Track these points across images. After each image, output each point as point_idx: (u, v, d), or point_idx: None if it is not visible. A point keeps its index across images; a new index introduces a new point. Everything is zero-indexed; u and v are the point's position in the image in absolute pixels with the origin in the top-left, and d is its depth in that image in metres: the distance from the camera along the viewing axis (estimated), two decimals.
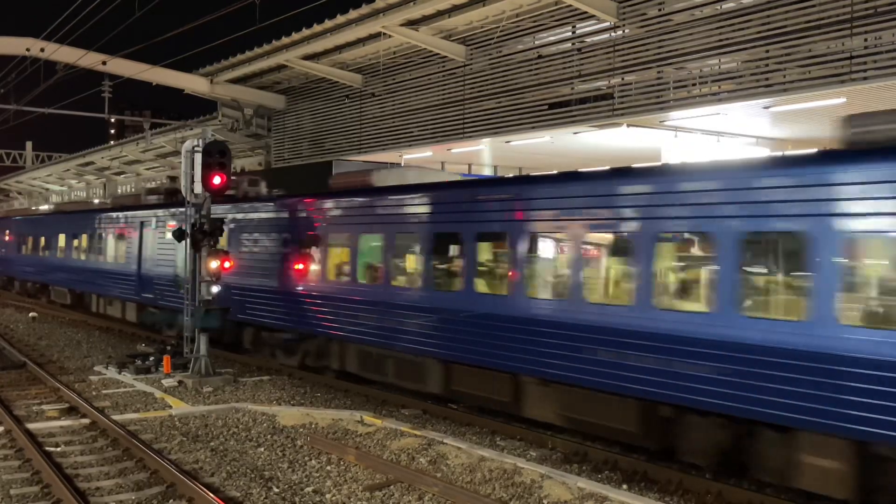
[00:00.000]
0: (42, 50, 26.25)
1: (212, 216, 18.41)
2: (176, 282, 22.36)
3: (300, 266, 18.30)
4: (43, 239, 36.37)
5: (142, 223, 25.64)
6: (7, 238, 43.54)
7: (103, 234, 29.11)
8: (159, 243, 24.31)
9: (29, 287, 39.56)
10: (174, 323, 22.59)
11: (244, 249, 20.35)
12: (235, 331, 20.64)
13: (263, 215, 19.94)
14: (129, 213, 27.00)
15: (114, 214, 28.63)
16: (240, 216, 20.76)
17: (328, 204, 17.84)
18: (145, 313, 25.41)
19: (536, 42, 20.74)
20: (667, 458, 11.60)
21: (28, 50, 26.64)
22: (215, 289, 17.99)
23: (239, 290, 20.07)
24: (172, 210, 24.06)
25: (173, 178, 27.86)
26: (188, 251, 18.59)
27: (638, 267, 11.32)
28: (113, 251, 28.15)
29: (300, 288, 18.14)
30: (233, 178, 23.71)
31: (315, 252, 18.02)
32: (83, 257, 31.04)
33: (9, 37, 27.31)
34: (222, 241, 19.78)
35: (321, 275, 17.66)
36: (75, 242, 32.08)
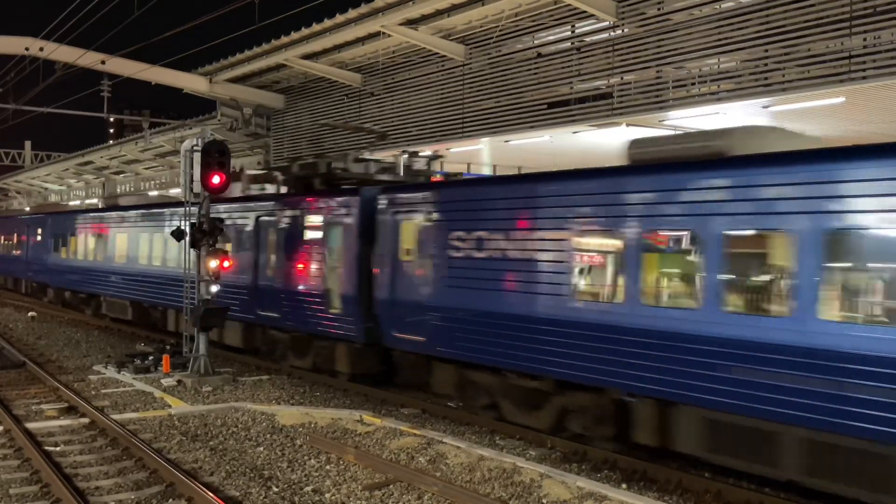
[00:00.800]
0: (41, 49, 26.25)
1: (378, 208, 15.65)
2: (326, 297, 17.17)
3: (586, 281, 12.11)
4: (92, 240, 29.79)
5: (258, 219, 19.77)
6: (37, 238, 36.59)
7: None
8: (294, 245, 18.37)
9: (68, 297, 32.99)
10: (307, 352, 18.23)
11: (452, 253, 14.08)
12: (421, 366, 15.25)
13: (496, 203, 13.58)
14: (238, 206, 20.90)
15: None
16: (436, 206, 14.71)
17: (644, 187, 11.27)
18: (264, 338, 19.87)
19: (535, 41, 20.75)
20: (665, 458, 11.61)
21: (27, 49, 26.63)
22: (214, 288, 17.96)
23: (440, 313, 14.22)
24: (316, 201, 18.22)
25: (294, 159, 21.89)
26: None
27: None
28: None
29: (582, 314, 11.82)
30: (408, 155, 19.05)
31: (617, 260, 11.59)
32: (157, 263, 24.42)
33: (7, 36, 27.30)
34: (409, 244, 15.17)
35: (631, 295, 11.17)
36: (144, 244, 25.56)
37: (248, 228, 19.95)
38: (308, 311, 17.62)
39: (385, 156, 21.16)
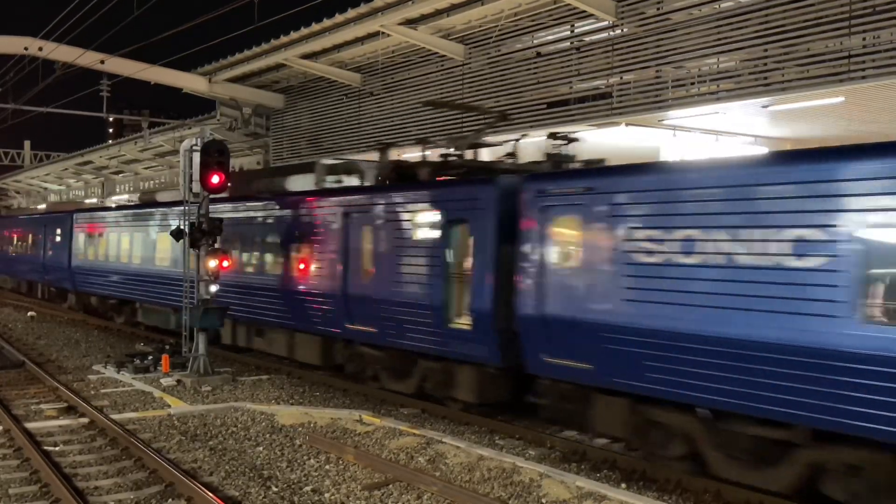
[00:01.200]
0: (40, 49, 26.25)
1: (522, 201, 12.53)
2: (444, 310, 14.05)
3: (882, 297, 8.75)
4: (127, 240, 26.29)
5: (348, 215, 16.61)
6: (56, 238, 33.01)
7: (250, 233, 19.86)
8: (400, 246, 15.21)
9: (94, 302, 29.88)
10: (409, 373, 15.50)
11: (642, 257, 10.81)
12: (578, 398, 12.10)
13: (722, 193, 10.11)
14: (315, 202, 17.94)
15: (274, 204, 19.21)
16: (614, 196, 11.33)
17: None
18: (350, 355, 17.07)
19: (535, 41, 20.76)
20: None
21: (26, 49, 26.63)
22: (213, 287, 17.94)
23: (619, 334, 10.98)
24: (432, 193, 14.97)
25: (387, 145, 19.07)
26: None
27: None
28: (277, 259, 18.81)
29: (872, 343, 8.53)
30: None
31: None
32: (229, 269, 20.46)
33: (7, 35, 27.29)
34: (570, 245, 11.94)
35: None
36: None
37: (334, 227, 16.90)
38: (417, 325, 14.59)
39: (504, 140, 17.63)
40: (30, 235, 37.97)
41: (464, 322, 13.78)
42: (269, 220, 19.41)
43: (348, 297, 16.28)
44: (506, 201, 13.18)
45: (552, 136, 15.29)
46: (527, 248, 12.56)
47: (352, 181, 18.47)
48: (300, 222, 18.15)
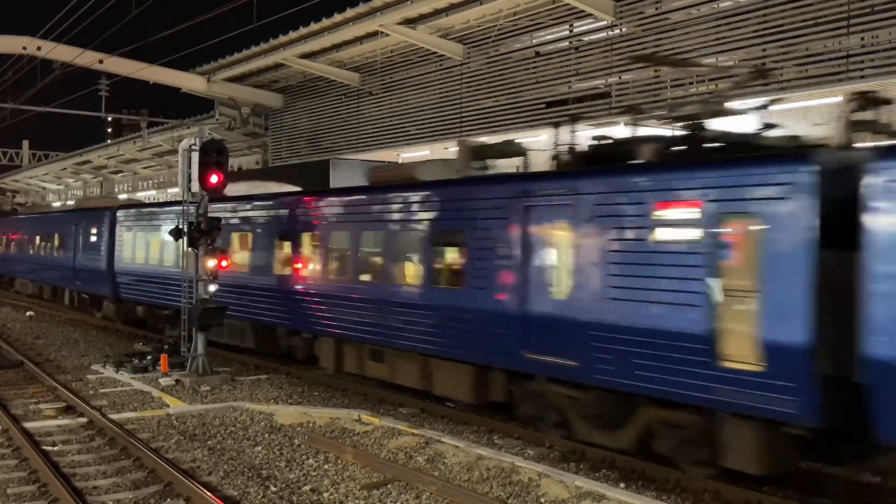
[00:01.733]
0: (39, 48, 26.29)
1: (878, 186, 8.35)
2: (711, 342, 10.22)
3: None
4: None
5: (527, 209, 12.75)
6: (92, 239, 28.61)
7: (369, 233, 16.00)
8: (622, 251, 11.33)
9: (140, 311, 25.72)
10: (624, 422, 11.66)
11: None
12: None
13: None
14: (458, 192, 14.25)
15: (409, 196, 15.18)
16: None
17: None
18: (521, 391, 13.18)
19: (534, 41, 20.79)
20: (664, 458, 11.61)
21: (25, 48, 26.66)
22: (212, 287, 17.92)
23: None
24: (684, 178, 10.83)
25: (575, 118, 14.18)
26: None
27: None
28: (408, 265, 15.27)
29: None
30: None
31: None
32: (337, 275, 16.90)
33: (5, 35, 27.32)
34: None
35: None
36: (283, 249, 18.52)
37: (504, 225, 13.03)
38: (657, 361, 10.74)
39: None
40: (56, 235, 33.14)
41: (750, 360, 9.91)
42: (402, 216, 15.43)
43: (530, 318, 12.47)
44: (830, 187, 9.41)
45: (857, 96, 10.94)
46: (886, 257, 8.68)
47: (497, 167, 15.19)
48: (445, 218, 14.39)
